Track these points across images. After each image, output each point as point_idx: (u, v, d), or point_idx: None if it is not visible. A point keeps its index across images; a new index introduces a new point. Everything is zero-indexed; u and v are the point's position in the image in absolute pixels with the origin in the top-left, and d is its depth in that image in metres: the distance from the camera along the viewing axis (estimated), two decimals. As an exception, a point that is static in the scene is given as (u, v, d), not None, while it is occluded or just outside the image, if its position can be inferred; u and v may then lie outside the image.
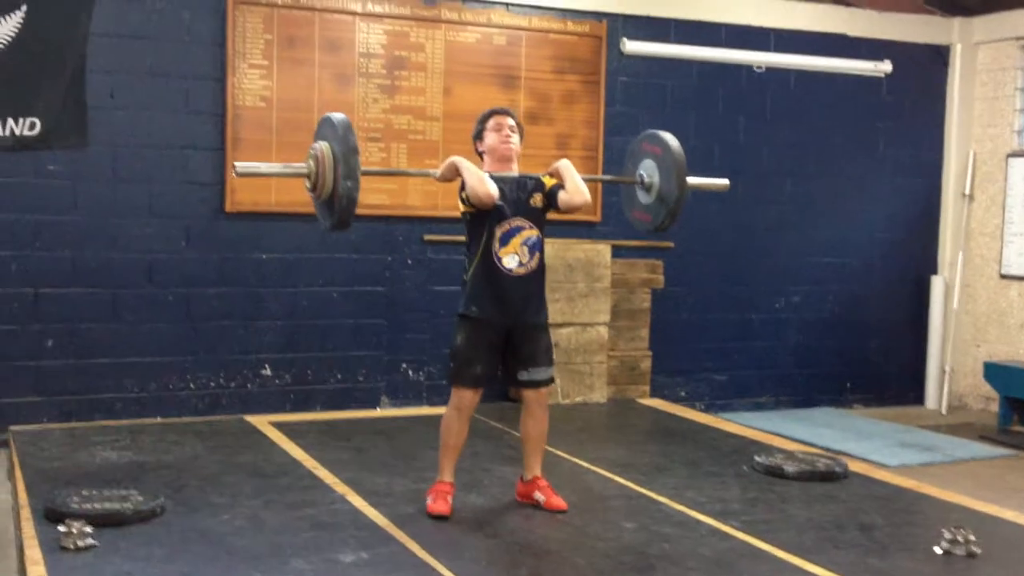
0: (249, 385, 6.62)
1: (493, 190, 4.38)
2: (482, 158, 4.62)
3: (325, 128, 4.33)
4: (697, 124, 7.61)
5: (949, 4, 8.26)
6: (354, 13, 6.69)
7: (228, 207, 6.47)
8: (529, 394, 4.61)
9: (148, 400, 6.39)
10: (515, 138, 4.57)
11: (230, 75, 6.41)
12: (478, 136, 4.63)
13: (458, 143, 6.90)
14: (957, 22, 8.33)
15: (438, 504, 4.48)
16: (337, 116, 4.28)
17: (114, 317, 6.30)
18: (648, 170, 4.89)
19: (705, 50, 7.56)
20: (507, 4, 7.08)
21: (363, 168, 4.23)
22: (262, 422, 6.31)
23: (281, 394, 6.70)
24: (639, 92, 7.44)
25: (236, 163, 4.41)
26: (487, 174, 4.45)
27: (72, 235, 6.20)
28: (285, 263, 6.67)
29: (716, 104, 7.73)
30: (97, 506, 4.28)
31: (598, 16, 7.31)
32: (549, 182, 4.58)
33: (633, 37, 7.38)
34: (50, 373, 6.18)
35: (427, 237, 6.97)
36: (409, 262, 6.96)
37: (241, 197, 6.49)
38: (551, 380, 4.65)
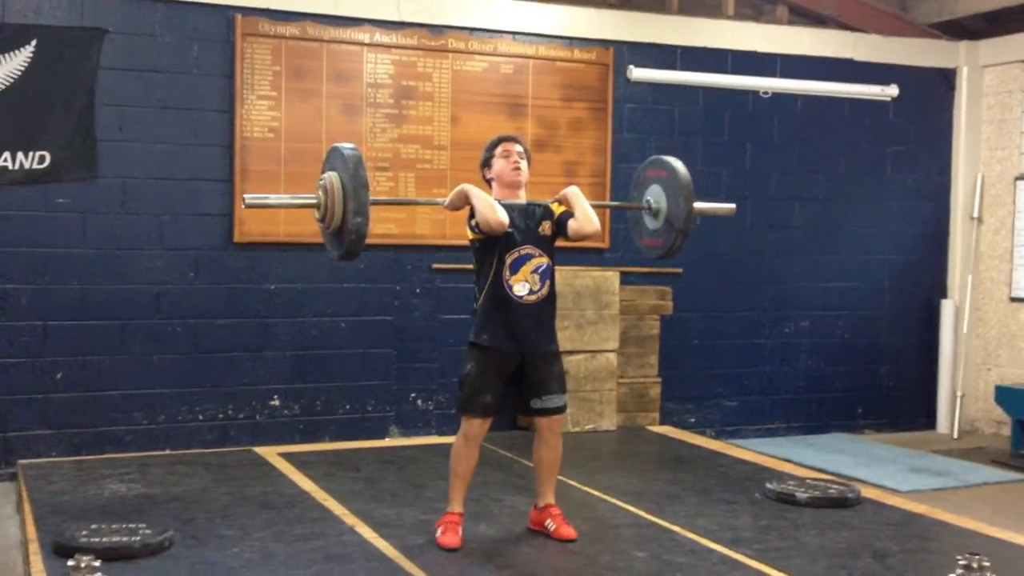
0: (258, 416, 6.61)
1: (504, 217, 4.38)
2: (490, 185, 4.63)
3: (335, 159, 4.34)
4: (704, 150, 7.62)
5: (955, 28, 8.28)
6: (362, 44, 6.72)
7: (236, 238, 6.49)
8: (542, 422, 4.58)
9: (157, 432, 6.38)
10: (523, 164, 4.56)
11: (238, 107, 6.44)
12: (486, 164, 4.62)
13: (466, 171, 6.92)
14: (963, 46, 8.34)
15: (448, 536, 4.46)
16: (347, 148, 4.29)
17: (123, 349, 6.30)
18: (655, 195, 4.90)
19: (711, 76, 7.58)
20: (513, 33, 7.11)
21: (372, 198, 4.24)
22: (271, 453, 6.29)
23: (290, 425, 6.69)
24: (646, 119, 7.46)
25: (245, 195, 4.42)
26: (497, 202, 4.45)
27: (81, 267, 6.22)
28: (294, 293, 6.68)
29: (723, 130, 7.75)
30: (106, 540, 4.27)
31: (604, 44, 7.34)
32: (558, 209, 4.58)
33: (640, 64, 7.41)
34: (59, 406, 6.19)
35: (435, 266, 6.98)
36: (418, 291, 6.96)
37: (250, 228, 6.50)
38: (564, 407, 4.62)
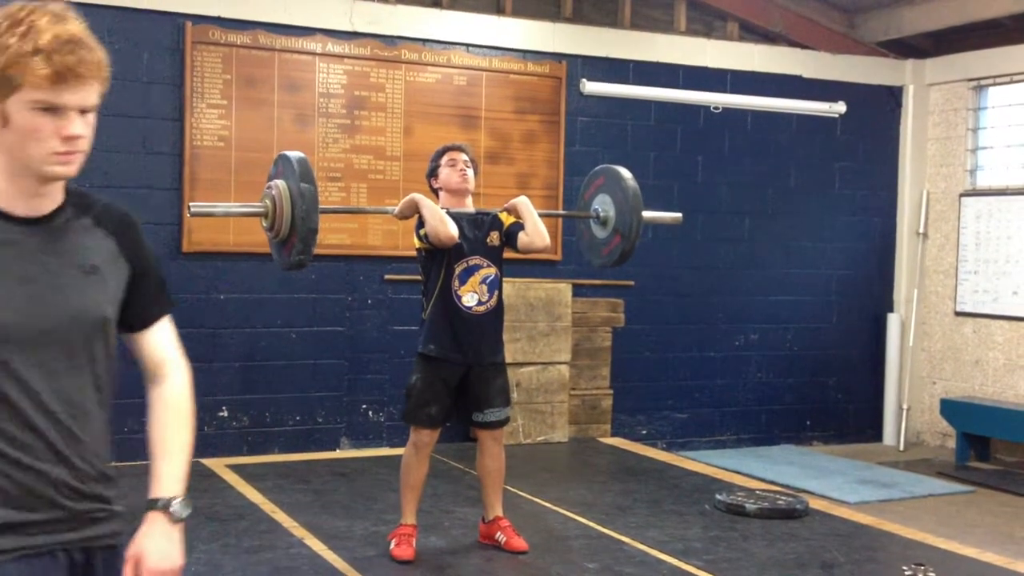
0: (206, 428, 6.53)
1: (454, 230, 4.37)
2: (437, 195, 4.61)
3: (283, 166, 4.30)
4: (656, 163, 7.67)
5: (901, 46, 8.43)
6: (314, 53, 6.69)
7: (185, 247, 6.42)
8: (483, 434, 4.58)
9: (102, 443, 6.27)
10: (470, 172, 4.55)
11: (188, 115, 6.38)
12: (432, 173, 4.61)
13: (419, 183, 6.88)
14: (910, 64, 8.49)
15: (402, 548, 4.43)
16: (294, 154, 4.24)
17: (68, 359, 6.19)
18: (603, 204, 4.89)
19: (663, 91, 7.64)
20: (467, 45, 7.12)
21: (322, 206, 4.20)
22: (219, 465, 6.21)
23: (238, 436, 6.61)
24: (599, 132, 7.50)
25: (191, 203, 4.37)
26: (446, 211, 4.44)
27: (26, 276, 6.10)
28: (243, 303, 6.61)
29: (675, 144, 7.81)
30: (48, 553, 4.18)
31: (558, 57, 7.37)
32: (507, 220, 4.58)
33: (592, 78, 7.45)
34: (1, 416, 6.06)
35: (388, 277, 6.95)
36: (369, 302, 6.93)
37: (199, 237, 6.44)
38: (506, 421, 4.60)
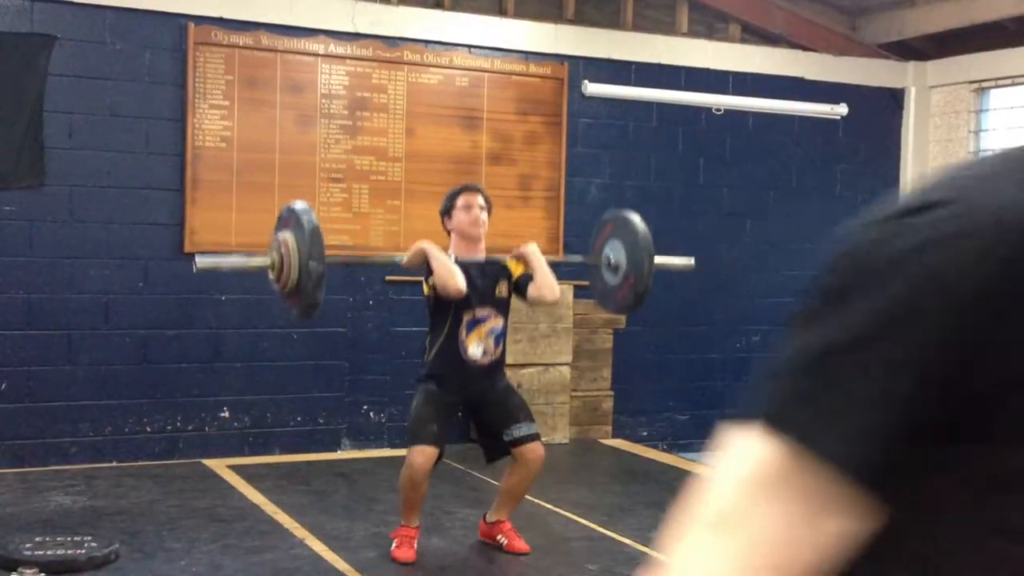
0: (207, 428, 6.53)
1: (462, 283, 4.29)
2: (449, 235, 4.56)
3: (290, 220, 4.21)
4: (657, 165, 7.67)
5: (903, 48, 8.43)
6: (316, 55, 6.70)
7: (187, 247, 6.42)
8: (523, 451, 4.41)
9: (104, 444, 6.28)
10: (484, 216, 4.46)
11: (190, 116, 6.38)
12: (446, 212, 4.51)
13: (420, 184, 6.92)
14: (911, 66, 8.49)
15: (403, 550, 4.43)
16: (302, 210, 4.16)
17: (70, 359, 6.20)
18: (613, 250, 4.84)
19: (665, 92, 7.64)
20: (469, 46, 7.12)
21: (328, 256, 4.19)
22: (220, 466, 6.22)
23: (240, 437, 6.61)
24: (600, 133, 7.50)
25: (197, 258, 4.35)
26: (454, 260, 4.36)
27: (27, 277, 6.11)
28: (245, 304, 6.62)
29: (676, 145, 7.81)
30: (50, 553, 4.19)
31: (559, 59, 7.37)
32: (516, 269, 4.50)
33: (594, 79, 7.45)
34: (3, 417, 6.06)
35: (389, 278, 6.95)
36: (371, 303, 6.93)
37: (201, 238, 6.44)
38: (538, 435, 4.49)
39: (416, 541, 4.49)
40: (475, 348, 4.38)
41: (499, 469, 6.21)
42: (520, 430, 4.43)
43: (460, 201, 4.48)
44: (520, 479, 4.50)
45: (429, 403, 4.44)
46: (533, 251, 4.54)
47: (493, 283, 4.44)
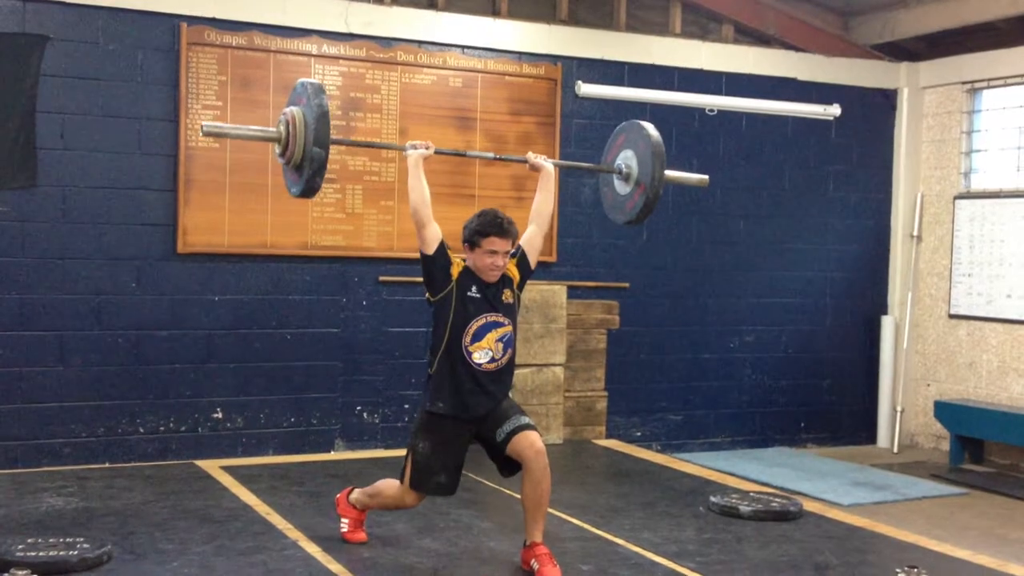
0: (200, 429, 6.52)
1: (422, 206, 4.31)
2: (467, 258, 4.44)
3: (299, 94, 4.32)
4: (651, 166, 7.66)
5: (896, 49, 8.45)
6: (309, 55, 6.69)
7: (180, 248, 6.41)
8: (525, 451, 4.30)
9: (96, 445, 6.27)
10: (502, 261, 4.34)
11: (183, 116, 6.37)
12: (469, 244, 4.36)
13: (413, 184, 6.91)
14: (904, 67, 8.51)
15: (357, 534, 4.70)
16: (311, 82, 4.29)
17: (62, 360, 6.19)
18: (626, 159, 4.87)
19: (658, 93, 7.65)
20: (462, 47, 7.12)
21: (333, 137, 4.27)
22: (213, 467, 6.21)
23: (233, 438, 6.61)
24: (594, 134, 7.50)
25: (204, 123, 4.45)
26: (465, 267, 4.34)
27: (20, 277, 6.10)
28: (238, 304, 6.61)
29: (670, 146, 7.74)
30: (42, 554, 4.18)
31: (553, 59, 7.38)
32: (514, 274, 4.44)
33: (587, 80, 7.45)
34: (-5, 418, 6.06)
35: (382, 278, 6.95)
36: (364, 303, 6.92)
37: (193, 238, 6.43)
38: (532, 425, 4.37)
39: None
40: (482, 354, 4.30)
41: (495, 470, 6.22)
42: (510, 424, 4.33)
43: (486, 243, 4.31)
44: (530, 485, 4.32)
45: (439, 451, 4.33)
46: (547, 169, 4.66)
47: (499, 291, 4.39)
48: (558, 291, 7.26)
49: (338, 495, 4.84)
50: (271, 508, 5.25)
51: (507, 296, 4.40)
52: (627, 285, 7.65)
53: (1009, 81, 7.92)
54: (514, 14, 7.34)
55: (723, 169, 7.96)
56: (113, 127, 6.27)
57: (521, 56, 7.29)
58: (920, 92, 8.52)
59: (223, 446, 6.56)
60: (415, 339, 7.04)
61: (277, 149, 4.31)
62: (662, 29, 7.83)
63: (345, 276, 6.87)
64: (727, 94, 7.89)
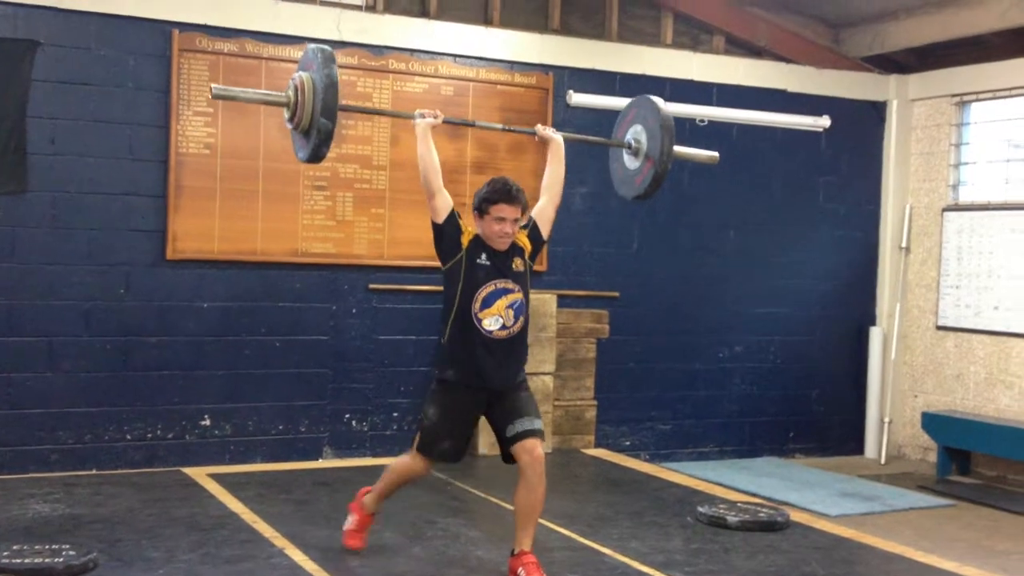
0: (188, 436, 6.51)
1: (432, 175, 4.44)
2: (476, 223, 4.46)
3: (312, 62, 4.34)
4: (641, 176, 7.68)
5: (885, 62, 8.49)
6: (301, 62, 6.68)
7: (169, 254, 6.40)
8: (523, 455, 4.29)
9: (83, 451, 6.25)
10: (511, 228, 4.36)
11: (174, 122, 6.37)
12: (478, 212, 4.38)
13: (405, 192, 6.92)
14: (893, 79, 8.55)
15: (356, 539, 4.63)
16: (322, 48, 4.32)
17: (50, 366, 6.17)
18: (635, 134, 4.90)
19: (649, 103, 7.65)
20: (454, 56, 7.14)
21: (341, 103, 4.31)
22: (200, 474, 6.19)
23: (221, 445, 6.59)
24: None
25: (213, 85, 4.50)
26: (475, 237, 4.37)
27: (8, 283, 6.08)
28: (227, 311, 6.60)
29: (660, 156, 7.81)
30: (28, 561, 4.17)
31: (545, 68, 7.39)
32: (525, 244, 4.45)
33: (579, 89, 7.47)
34: (-18, 423, 6.03)
35: (372, 286, 6.94)
36: (354, 311, 6.92)
37: (183, 245, 6.42)
38: (540, 431, 4.36)
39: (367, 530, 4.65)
40: (492, 321, 4.29)
41: (483, 479, 6.23)
42: (521, 424, 4.31)
43: (495, 210, 4.34)
44: (524, 491, 4.31)
45: (447, 417, 4.36)
46: (557, 142, 4.69)
47: (509, 259, 4.39)
48: (548, 300, 7.27)
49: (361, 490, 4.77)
50: (258, 516, 5.23)
51: (518, 264, 4.41)
52: (617, 294, 7.66)
53: (998, 94, 7.96)
54: (506, 23, 7.36)
55: (713, 180, 7.98)
56: (104, 133, 6.26)
57: (513, 65, 7.30)
58: (909, 104, 8.56)
59: (211, 453, 6.54)
60: (405, 347, 7.04)
61: (286, 114, 4.38)
62: (653, 39, 7.86)
63: (335, 284, 6.87)
64: (718, 105, 7.91)
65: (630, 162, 4.93)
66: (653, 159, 4.76)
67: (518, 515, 4.37)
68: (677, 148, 4.82)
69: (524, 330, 4.40)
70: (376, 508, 4.65)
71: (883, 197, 8.62)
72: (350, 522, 4.69)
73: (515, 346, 4.38)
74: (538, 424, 4.37)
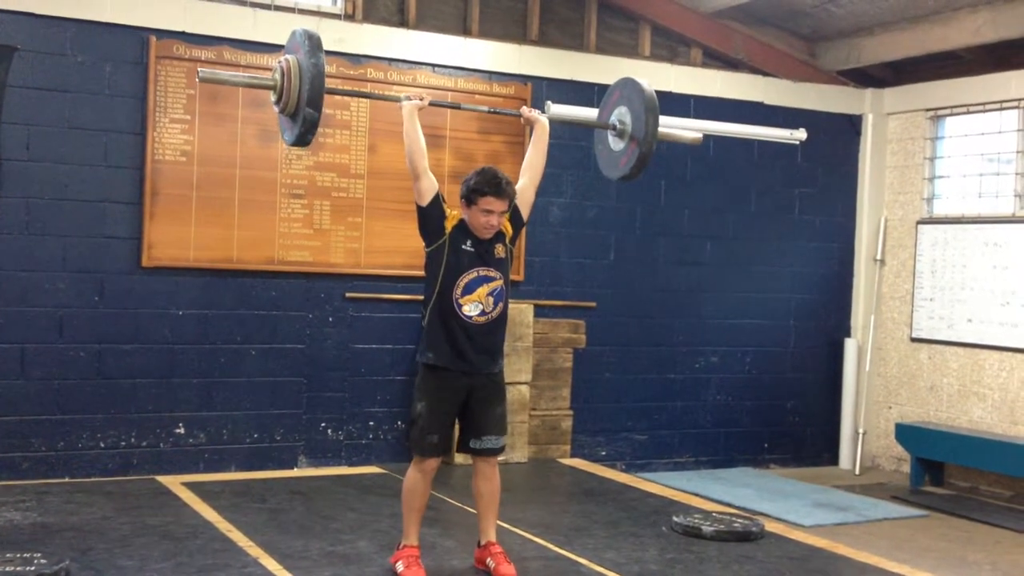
0: (162, 444, 6.47)
1: (419, 157, 4.50)
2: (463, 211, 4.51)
3: (299, 47, 4.36)
4: (619, 186, 7.69)
5: (861, 76, 8.56)
6: (279, 70, 6.67)
7: (145, 262, 6.37)
8: (479, 460, 4.52)
9: (56, 459, 6.20)
10: (497, 221, 4.41)
11: (151, 129, 6.34)
12: (466, 201, 4.41)
13: (383, 200, 6.92)
14: (869, 93, 8.62)
15: (412, 570, 4.40)
16: (310, 33, 4.34)
17: (22, 373, 6.12)
18: (620, 115, 4.91)
19: (627, 114, 7.68)
20: (433, 65, 7.15)
21: (328, 87, 4.34)
22: (174, 483, 6.15)
23: (195, 454, 6.55)
24: (563, 154, 7.53)
25: (200, 69, 4.51)
26: (461, 221, 4.41)
27: (-19, 288, 6.03)
28: (202, 319, 6.57)
29: (637, 167, 7.84)
30: (-3, 570, 4.13)
31: (523, 79, 7.41)
32: (506, 228, 4.50)
33: (557, 100, 7.47)
34: (-47, 431, 5.97)
35: (349, 294, 6.93)
36: (330, 319, 6.90)
37: (159, 252, 6.39)
38: (501, 449, 4.52)
39: (419, 559, 4.46)
40: (472, 307, 4.35)
41: (458, 489, 6.21)
42: (487, 442, 4.46)
43: (483, 202, 4.37)
44: (482, 480, 4.52)
45: (432, 410, 4.40)
46: (542, 124, 4.73)
47: (492, 244, 4.44)
48: (524, 310, 7.27)
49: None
50: (232, 525, 5.21)
51: (499, 251, 4.47)
52: (594, 304, 7.68)
53: (971, 109, 8.05)
54: (485, 34, 7.38)
55: (690, 191, 8.02)
56: (80, 139, 6.23)
57: (491, 75, 7.32)
58: (884, 118, 8.64)
59: (185, 462, 6.50)
60: (381, 356, 7.02)
61: (273, 97, 4.40)
62: (631, 51, 7.90)
63: (311, 292, 6.85)
64: (695, 117, 7.94)
65: (615, 143, 4.96)
66: (638, 140, 4.79)
67: (480, 505, 4.53)
68: (662, 128, 4.86)
69: (504, 314, 4.49)
70: (414, 540, 4.52)
71: (858, 209, 8.68)
72: (400, 565, 4.47)
73: (494, 329, 4.46)
74: (500, 442, 4.53)
